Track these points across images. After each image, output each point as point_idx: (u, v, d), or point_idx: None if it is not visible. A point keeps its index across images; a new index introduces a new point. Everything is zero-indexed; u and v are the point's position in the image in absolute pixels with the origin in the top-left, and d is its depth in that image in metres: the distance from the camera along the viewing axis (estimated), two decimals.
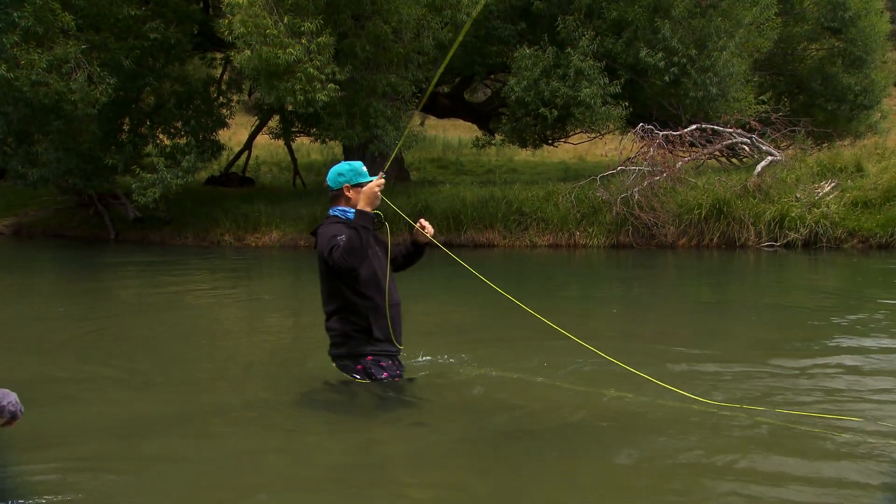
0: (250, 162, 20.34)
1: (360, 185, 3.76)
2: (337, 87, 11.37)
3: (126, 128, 14.71)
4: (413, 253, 4.05)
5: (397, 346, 3.90)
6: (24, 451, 3.05)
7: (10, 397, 2.09)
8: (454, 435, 3.47)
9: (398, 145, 4.31)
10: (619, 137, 15.17)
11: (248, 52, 10.73)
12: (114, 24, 12.51)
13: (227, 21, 11.26)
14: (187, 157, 13.27)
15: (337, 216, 3.81)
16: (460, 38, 3.89)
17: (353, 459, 3.20)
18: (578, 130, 15.55)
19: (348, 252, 3.53)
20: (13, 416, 2.01)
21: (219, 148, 14.80)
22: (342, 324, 3.82)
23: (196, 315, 7.42)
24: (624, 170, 12.80)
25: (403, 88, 12.88)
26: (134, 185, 13.11)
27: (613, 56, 14.08)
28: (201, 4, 14.99)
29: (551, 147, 18.40)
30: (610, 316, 7.19)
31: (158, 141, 14.74)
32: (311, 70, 10.91)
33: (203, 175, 17.82)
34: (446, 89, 19.45)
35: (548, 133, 15.90)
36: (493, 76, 18.22)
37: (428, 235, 3.94)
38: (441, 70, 3.98)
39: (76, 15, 11.88)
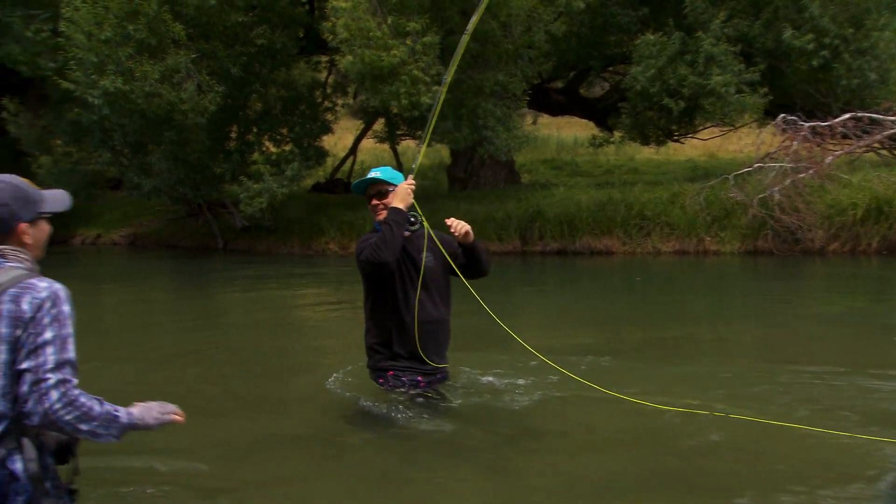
0: (355, 167, 20.99)
1: (366, 192, 3.94)
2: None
3: (233, 136, 15.59)
4: (468, 256, 4.00)
5: (427, 363, 3.90)
6: (129, 460, 3.28)
7: (157, 409, 2.37)
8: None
9: (425, 141, 4.23)
10: (757, 130, 14.42)
11: (350, 56, 11.09)
12: (222, 32, 13.32)
13: (330, 24, 11.70)
14: (291, 165, 13.88)
15: (375, 228, 3.92)
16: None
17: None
18: (709, 124, 14.93)
19: (378, 246, 3.61)
20: (161, 424, 2.36)
21: (322, 154, 15.38)
22: (367, 337, 3.99)
23: (301, 327, 7.73)
24: (762, 167, 12.15)
25: (513, 86, 12.87)
26: (241, 195, 13.86)
27: (750, 39, 13.40)
28: (307, 7, 15.66)
29: (677, 143, 17.76)
30: (749, 332, 6.82)
31: (264, 148, 15.54)
32: (416, 72, 11.13)
33: (308, 182, 18.57)
34: (560, 84, 19.25)
35: (673, 128, 15.36)
36: (611, 68, 17.85)
37: (461, 231, 3.86)
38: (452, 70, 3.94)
39: (187, 25, 12.75)
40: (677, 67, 13.06)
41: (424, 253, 3.88)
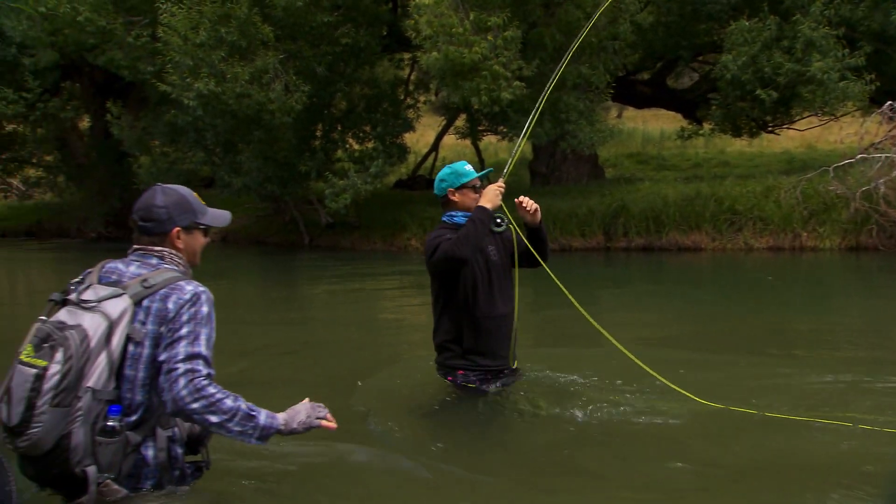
0: (437, 163, 21.13)
1: (464, 186, 3.82)
2: (523, 84, 11.44)
3: (319, 134, 15.96)
4: (534, 239, 3.91)
5: (497, 361, 3.86)
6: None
7: (304, 413, 2.56)
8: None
9: (519, 147, 4.18)
10: (861, 119, 13.62)
11: (434, 53, 11.14)
12: (308, 33, 13.64)
13: (412, 22, 11.80)
14: (375, 162, 14.08)
15: (444, 222, 3.87)
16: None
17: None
18: (807, 113, 14.21)
19: (459, 242, 3.57)
20: (308, 429, 2.55)
21: (404, 151, 15.54)
22: (437, 335, 3.94)
23: (383, 322, 7.84)
24: (866, 158, 11.47)
25: (597, 79, 12.62)
26: (326, 192, 14.17)
27: (853, 23, 12.66)
28: (390, 5, 15.84)
29: (772, 135, 17.00)
30: (854, 331, 6.44)
31: (348, 146, 15.83)
32: (497, 67, 11.07)
33: (391, 179, 18.82)
34: (646, 76, 18.76)
35: (767, 118, 14.71)
36: (700, 58, 17.25)
37: (532, 208, 3.79)
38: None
39: (275, 26, 13.13)
40: (772, 55, 12.47)
41: (516, 241, 3.89)
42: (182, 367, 2.32)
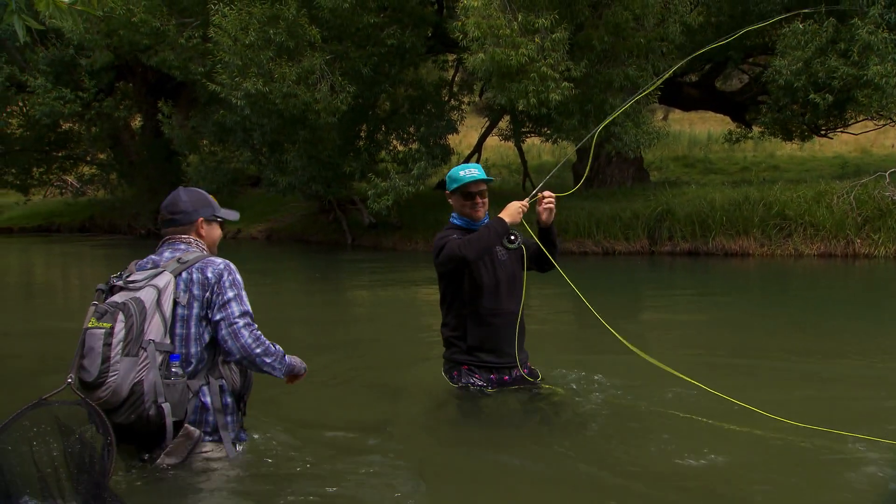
0: (480, 164, 21.09)
1: (455, 191, 3.84)
2: (571, 84, 11.34)
3: (363, 134, 16.08)
4: (545, 239, 3.90)
5: (502, 359, 3.87)
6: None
7: (298, 360, 3.18)
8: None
9: (559, 167, 4.17)
10: None
11: (481, 55, 11.12)
12: (354, 34, 13.76)
13: (460, 23, 11.80)
14: (418, 164, 14.12)
15: (450, 222, 3.97)
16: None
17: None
18: (862, 117, 13.79)
19: (466, 244, 3.62)
20: (301, 375, 3.23)
21: (448, 153, 15.56)
22: (445, 329, 3.98)
23: (423, 322, 7.85)
24: None
25: (644, 81, 12.43)
26: (369, 192, 14.27)
27: None
28: (435, 6, 15.88)
29: (824, 139, 16.56)
30: None
31: (392, 146, 15.91)
32: (545, 69, 11.00)
33: (433, 180, 18.87)
34: (694, 78, 18.44)
35: (820, 122, 14.32)
36: (750, 59, 16.88)
37: (550, 204, 3.81)
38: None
39: (321, 28, 13.27)
40: (827, 58, 12.13)
41: (525, 257, 3.91)
42: (241, 321, 2.91)
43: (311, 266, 14.08)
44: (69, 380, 2.73)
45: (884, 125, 14.50)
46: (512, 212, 3.72)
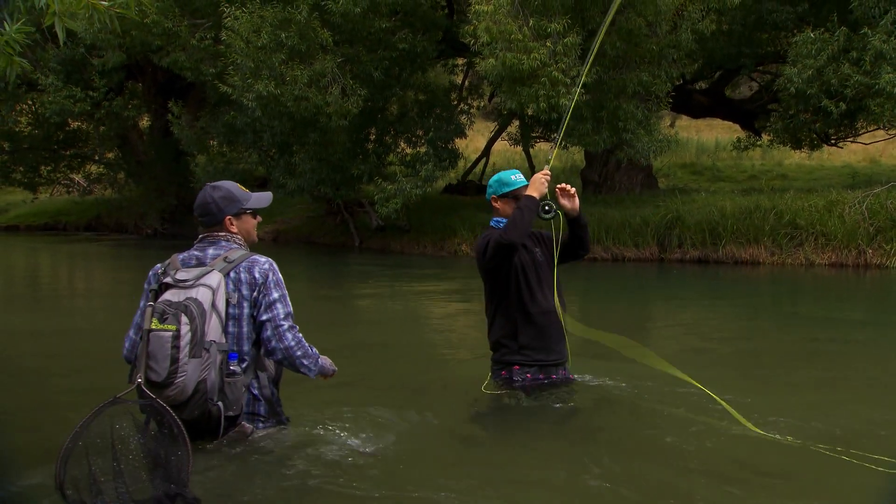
0: (487, 169, 21.04)
1: (506, 195, 3.94)
2: (583, 90, 11.27)
3: (372, 137, 16.03)
4: (574, 229, 4.00)
5: (552, 356, 3.95)
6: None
7: (328, 361, 3.25)
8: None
9: (559, 136, 4.20)
10: None
11: (492, 59, 11.07)
12: (365, 38, 13.72)
13: (471, 28, 11.74)
14: (425, 166, 14.06)
15: (491, 226, 4.00)
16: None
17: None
18: (873, 127, 13.71)
19: (507, 228, 3.71)
20: (332, 374, 3.30)
21: (456, 156, 15.51)
22: (493, 332, 4.02)
23: (432, 325, 7.78)
24: None
25: (657, 87, 12.38)
26: (376, 196, 14.20)
27: None
28: (446, 10, 15.84)
29: (833, 148, 16.48)
30: None
31: (400, 150, 15.85)
32: (556, 74, 10.94)
33: (441, 184, 18.80)
34: (703, 85, 18.39)
35: (831, 131, 14.24)
36: (761, 67, 16.82)
37: (572, 194, 3.89)
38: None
39: (333, 31, 13.22)
40: (839, 66, 12.05)
41: (558, 233, 3.95)
42: (286, 324, 3.05)
43: (318, 268, 14.01)
44: (139, 379, 2.82)
45: (895, 135, 14.41)
46: (537, 185, 3.79)
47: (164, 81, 20.56)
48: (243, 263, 3.06)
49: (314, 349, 3.15)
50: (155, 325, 2.85)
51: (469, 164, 20.26)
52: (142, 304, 3.05)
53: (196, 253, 3.11)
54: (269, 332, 3.03)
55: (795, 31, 12.99)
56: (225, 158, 17.11)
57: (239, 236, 3.20)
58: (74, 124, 22.00)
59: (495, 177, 4.05)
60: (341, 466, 3.18)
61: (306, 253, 16.49)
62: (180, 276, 2.97)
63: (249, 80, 12.78)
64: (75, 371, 5.30)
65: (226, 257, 3.06)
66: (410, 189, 13.71)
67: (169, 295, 2.92)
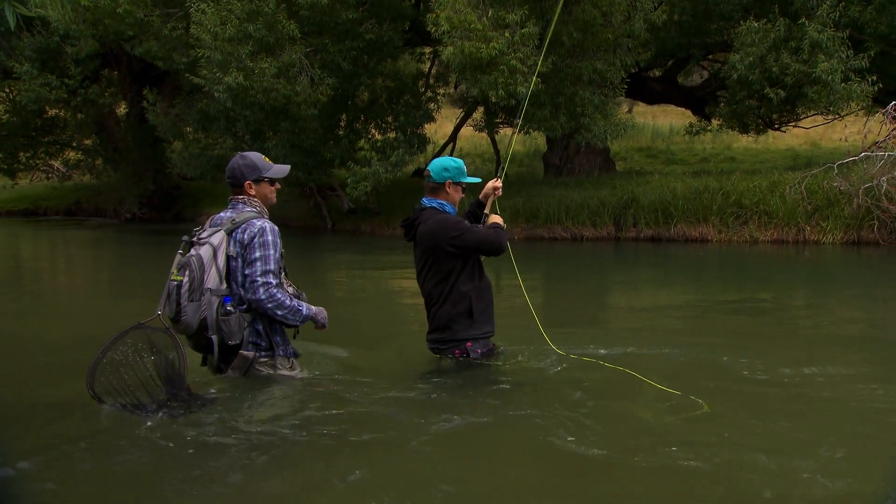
0: (454, 154, 21.08)
1: (460, 184, 4.10)
2: (539, 80, 11.36)
3: (343, 123, 15.95)
4: (478, 214, 4.29)
5: (493, 327, 4.14)
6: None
7: (323, 313, 3.78)
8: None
9: (510, 148, 4.47)
10: (864, 119, 13.43)
11: (451, 48, 11.09)
12: (333, 28, 13.60)
13: (434, 16, 11.73)
14: (396, 151, 14.06)
15: (435, 208, 4.07)
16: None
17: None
18: (812, 112, 14.03)
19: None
20: (323, 326, 3.78)
21: (424, 142, 15.51)
22: (443, 309, 4.02)
23: (398, 301, 7.88)
24: (869, 156, 11.34)
25: (611, 75, 12.51)
26: (348, 179, 14.18)
27: (860, 25, 12.47)
28: (413, 0, 15.76)
29: (777, 132, 16.81)
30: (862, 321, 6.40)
31: (371, 135, 15.81)
32: (514, 62, 11.00)
33: (410, 168, 18.79)
34: (657, 73, 18.58)
35: (774, 116, 14.54)
36: (710, 57, 17.05)
37: (496, 188, 4.25)
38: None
39: (300, 23, 13.08)
40: (780, 55, 12.31)
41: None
42: (260, 280, 3.49)
43: (292, 250, 13.97)
44: (159, 312, 3.44)
45: (832, 120, 14.77)
46: (491, 199, 4.26)
47: (139, 69, 20.17)
48: (243, 225, 3.54)
49: (296, 302, 3.61)
50: (174, 275, 3.44)
51: (437, 150, 20.27)
52: None
53: (221, 214, 3.66)
54: (248, 285, 3.51)
55: (741, 22, 13.19)
56: (200, 145, 16.86)
57: (256, 199, 3.65)
58: (52, 112, 21.51)
59: (454, 162, 4.06)
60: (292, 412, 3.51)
61: (281, 234, 16.38)
62: (202, 235, 3.55)
63: (218, 73, 12.61)
64: (55, 349, 5.30)
65: (233, 219, 3.56)
66: (382, 173, 13.71)
67: (192, 249, 3.53)
